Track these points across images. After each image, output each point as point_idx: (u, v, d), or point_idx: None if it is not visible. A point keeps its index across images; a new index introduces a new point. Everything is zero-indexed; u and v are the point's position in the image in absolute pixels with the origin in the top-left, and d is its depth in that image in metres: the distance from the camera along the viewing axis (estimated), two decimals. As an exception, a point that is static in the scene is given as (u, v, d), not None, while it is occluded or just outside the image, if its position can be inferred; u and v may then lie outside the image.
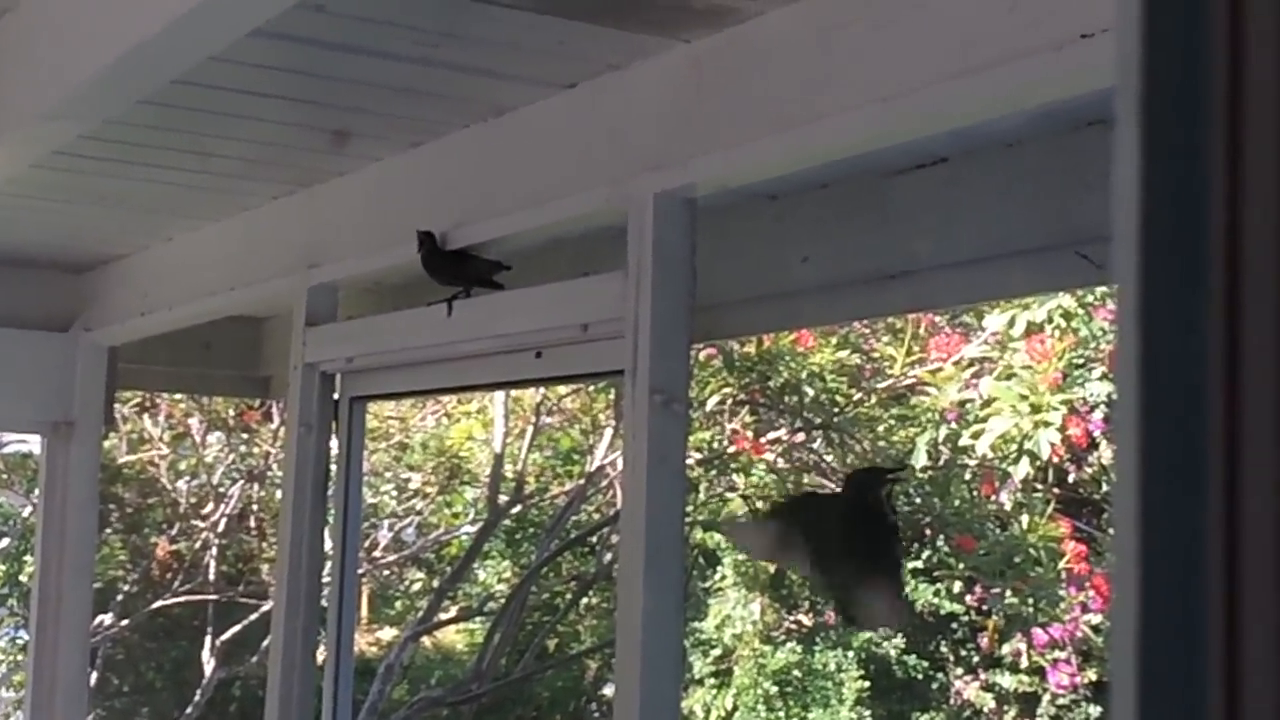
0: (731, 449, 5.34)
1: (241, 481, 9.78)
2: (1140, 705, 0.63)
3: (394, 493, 10.08)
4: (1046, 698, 13.41)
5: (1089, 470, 7.25)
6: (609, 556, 9.68)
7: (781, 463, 5.76)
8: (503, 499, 8.78)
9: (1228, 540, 0.61)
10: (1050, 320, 5.10)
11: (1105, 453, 7.67)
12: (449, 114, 3.36)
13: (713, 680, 12.74)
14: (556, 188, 3.11)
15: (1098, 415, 11.03)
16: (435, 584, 11.03)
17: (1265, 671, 0.61)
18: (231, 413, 9.56)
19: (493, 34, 2.84)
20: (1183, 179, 0.63)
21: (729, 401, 5.47)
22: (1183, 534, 0.63)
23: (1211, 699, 0.62)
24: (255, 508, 10.30)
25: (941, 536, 7.08)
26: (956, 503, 5.54)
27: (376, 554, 9.75)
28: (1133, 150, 0.66)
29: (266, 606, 9.05)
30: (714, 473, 5.55)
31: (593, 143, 3.01)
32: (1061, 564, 5.55)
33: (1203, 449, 0.62)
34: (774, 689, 12.85)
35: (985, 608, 12.59)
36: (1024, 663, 13.41)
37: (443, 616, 10.43)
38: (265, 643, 8.46)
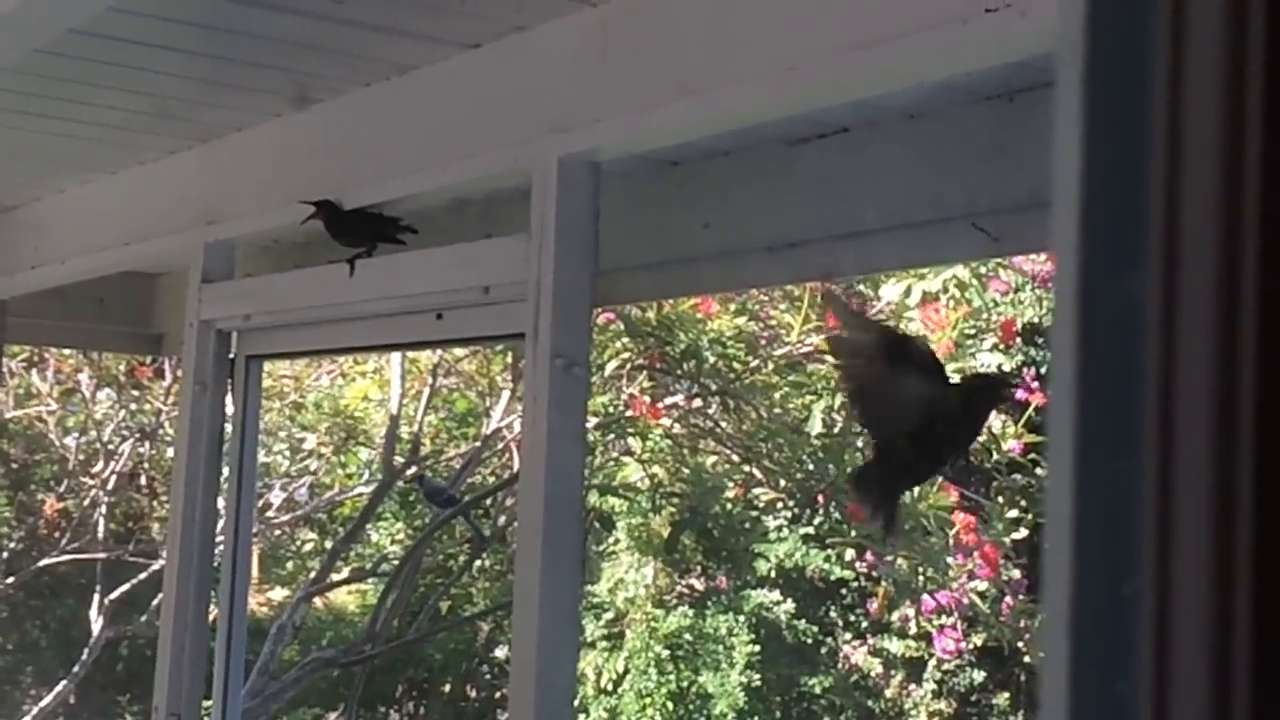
0: (629, 413, 5.36)
1: (132, 439, 9.65)
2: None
3: (287, 453, 9.99)
4: (932, 663, 13.63)
5: (978, 439, 7.34)
6: (503, 519, 9.67)
7: (678, 428, 5.79)
8: (398, 460, 8.74)
9: (1161, 519, 0.62)
10: (945, 290, 5.16)
11: (994, 422, 7.78)
12: (351, 71, 3.33)
13: (605, 643, 12.80)
14: (459, 149, 3.10)
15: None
16: (328, 545, 10.96)
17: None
18: (122, 369, 9.42)
19: (397, -9, 2.82)
20: (1124, 148, 0.64)
21: (627, 366, 5.48)
22: (1119, 505, 0.64)
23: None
24: (146, 466, 10.16)
25: (833, 504, 7.15)
26: (849, 470, 5.60)
27: (269, 514, 9.67)
28: (1074, 120, 0.66)
29: (157, 565, 8.95)
30: (611, 437, 5.58)
31: (496, 104, 3.00)
32: (951, 532, 5.63)
33: (1138, 420, 0.63)
34: (665, 652, 12.93)
35: (875, 574, 12.75)
36: (912, 629, 13.62)
37: (335, 577, 10.37)
38: (155, 602, 8.37)
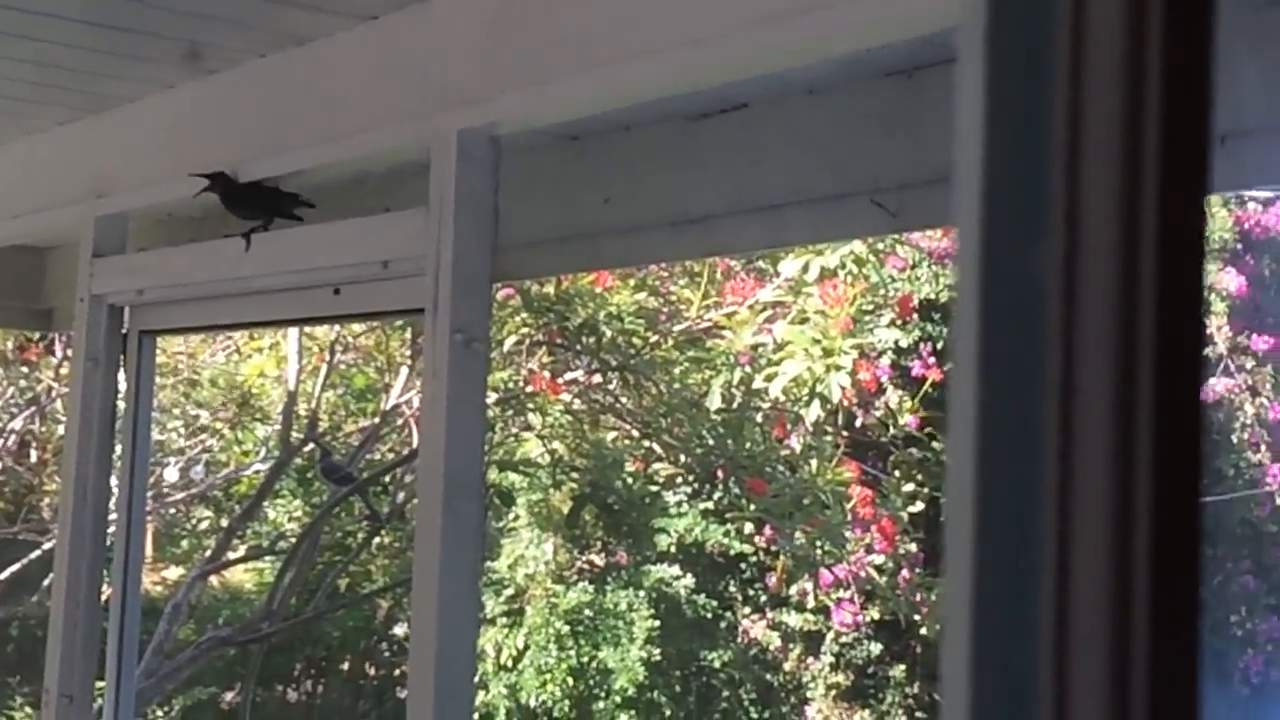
0: (528, 389, 5.34)
1: (21, 415, 9.47)
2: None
3: (182, 429, 9.86)
4: (830, 636, 13.75)
5: (876, 414, 7.42)
6: (402, 496, 9.61)
7: (578, 403, 5.78)
8: (296, 437, 8.66)
9: (1061, 493, 0.63)
10: (843, 266, 5.19)
11: (891, 397, 7.86)
12: (246, 42, 3.27)
13: (505, 620, 12.78)
14: (357, 122, 3.06)
15: (885, 361, 11.29)
16: (223, 522, 10.84)
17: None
18: (11, 345, 9.23)
19: (294, -39, 2.78)
20: (1026, 121, 0.64)
21: (526, 341, 5.46)
22: (1019, 487, 0.64)
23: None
24: (35, 442, 9.98)
25: (733, 479, 7.19)
26: (748, 445, 5.63)
27: (164, 492, 9.54)
28: (977, 89, 0.66)
29: (47, 544, 8.80)
30: (510, 412, 5.55)
31: (395, 77, 2.97)
32: (849, 506, 5.68)
33: (1039, 395, 0.64)
34: (565, 628, 12.93)
35: (774, 549, 12.83)
36: (810, 602, 13.73)
37: (232, 555, 10.26)
38: (46, 582, 8.23)
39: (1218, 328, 14.01)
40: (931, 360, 13.29)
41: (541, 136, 3.44)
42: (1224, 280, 13.97)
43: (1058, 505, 0.63)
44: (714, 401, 5.32)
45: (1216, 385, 13.94)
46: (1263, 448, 14.12)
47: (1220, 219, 14.38)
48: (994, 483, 0.66)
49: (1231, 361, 14.06)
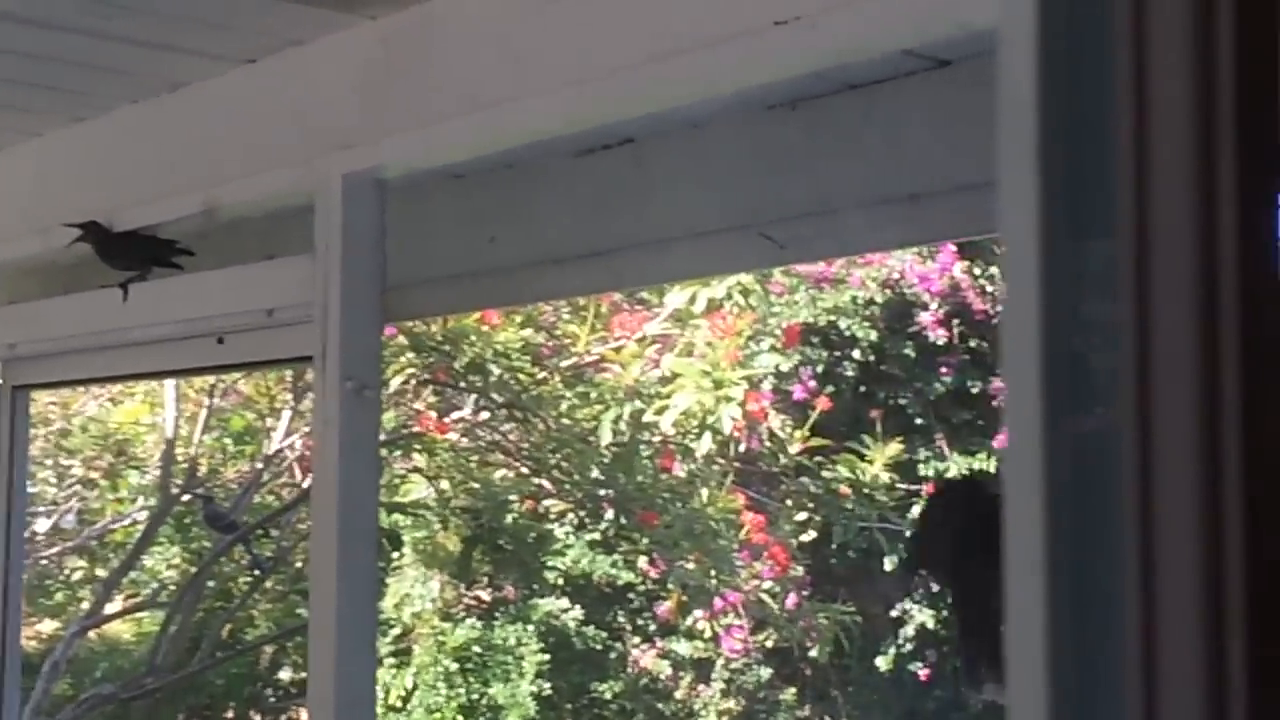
0: (414, 429, 5.28)
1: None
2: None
3: (54, 479, 9.62)
4: (720, 662, 13.76)
5: (766, 445, 7.45)
6: (287, 542, 9.46)
7: (465, 442, 5.73)
8: (176, 484, 8.48)
9: (1142, 516, 0.59)
10: (730, 297, 5.20)
11: (774, 422, 7.89)
12: (118, 88, 3.20)
13: (392, 660, 12.62)
14: (236, 167, 3.00)
15: (766, 386, 11.34)
16: (99, 572, 10.59)
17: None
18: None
19: (165, 6, 2.72)
20: (1086, 109, 0.61)
21: (412, 382, 5.40)
22: (1097, 517, 0.61)
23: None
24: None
25: (614, 510, 7.16)
26: (639, 478, 5.61)
27: (36, 543, 9.30)
28: (1027, 79, 0.63)
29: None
30: (397, 453, 5.49)
31: (275, 121, 2.91)
32: (742, 534, 5.68)
33: (1111, 411, 0.60)
34: (454, 666, 12.81)
35: (662, 579, 12.82)
36: (705, 631, 13.74)
37: (110, 609, 10.03)
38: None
39: (1089, 343, 14.29)
40: (812, 384, 13.40)
41: (423, 174, 3.40)
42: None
43: (1139, 525, 0.60)
44: (604, 436, 5.29)
45: (1090, 400, 14.22)
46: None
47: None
48: (1061, 505, 0.63)
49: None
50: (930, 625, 14.13)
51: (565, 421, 5.52)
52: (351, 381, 2.61)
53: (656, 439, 5.41)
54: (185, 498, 9.02)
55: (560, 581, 13.19)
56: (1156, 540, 0.58)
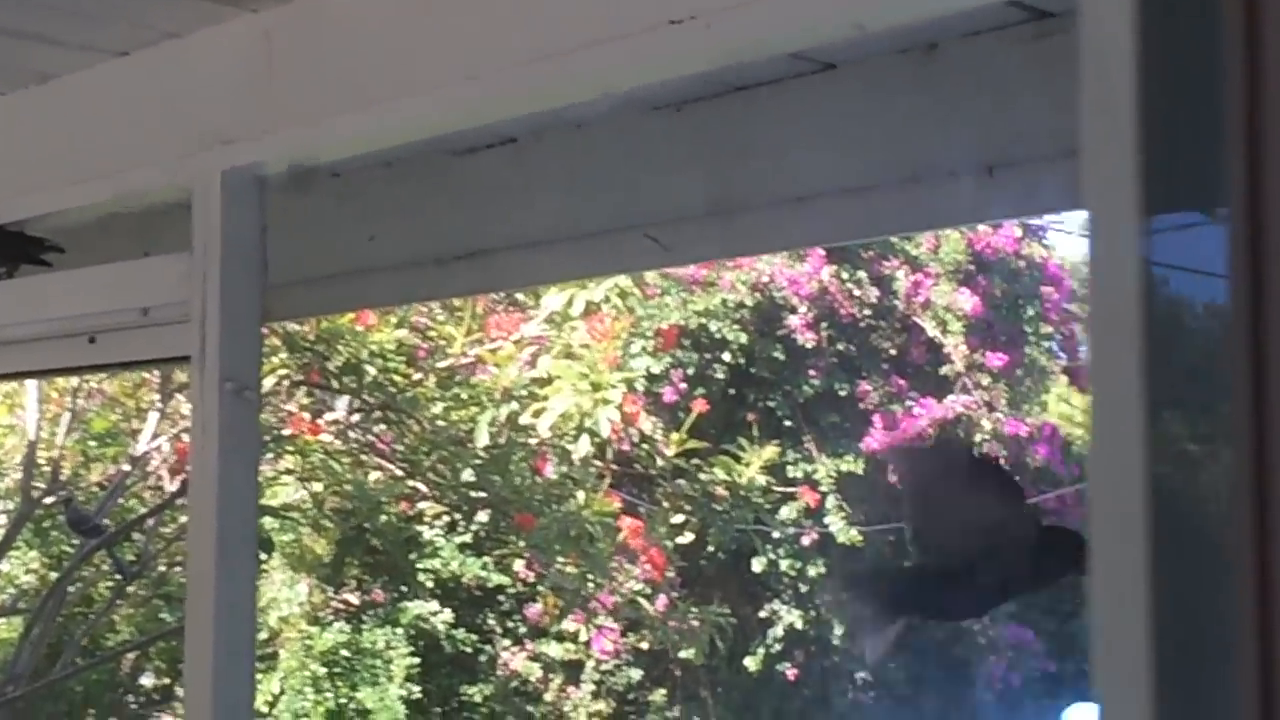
0: (287, 431, 5.20)
1: None
2: None
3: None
4: (591, 664, 13.76)
5: (642, 447, 7.45)
6: (153, 547, 9.27)
7: (338, 444, 5.66)
8: (38, 487, 8.27)
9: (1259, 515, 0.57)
10: (607, 300, 5.19)
11: (645, 424, 7.89)
12: (-15, 79, 3.10)
13: (259, 664, 12.45)
14: (109, 162, 2.92)
15: (638, 388, 11.35)
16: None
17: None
18: None
19: (33, -6, 2.64)
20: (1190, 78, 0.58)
21: (285, 382, 5.31)
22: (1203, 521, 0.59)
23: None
24: None
25: (490, 512, 7.11)
26: (515, 480, 5.58)
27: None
28: (1124, 48, 0.59)
29: None
30: (269, 455, 5.40)
31: (150, 115, 2.84)
32: (619, 538, 5.67)
33: (1220, 407, 0.57)
34: (322, 670, 12.67)
35: (535, 582, 12.78)
36: (581, 634, 13.71)
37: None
38: None
39: (955, 346, 14.50)
40: (683, 386, 13.46)
41: (302, 173, 3.34)
42: (959, 300, 14.48)
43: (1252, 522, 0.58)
44: (480, 438, 5.25)
45: (956, 402, 14.42)
46: (1000, 461, 14.64)
47: (954, 241, 14.89)
48: (1170, 483, 0.60)
49: (969, 379, 14.56)
50: (799, 626, 14.26)
51: (440, 423, 5.47)
52: (231, 383, 2.55)
53: (533, 441, 5.38)
54: (47, 501, 8.81)
55: (431, 584, 13.10)
56: (1273, 550, 0.55)
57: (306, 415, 5.33)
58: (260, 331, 2.71)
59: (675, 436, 5.93)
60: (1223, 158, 0.56)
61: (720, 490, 6.02)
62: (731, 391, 13.98)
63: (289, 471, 5.77)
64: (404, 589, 13.41)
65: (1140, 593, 0.63)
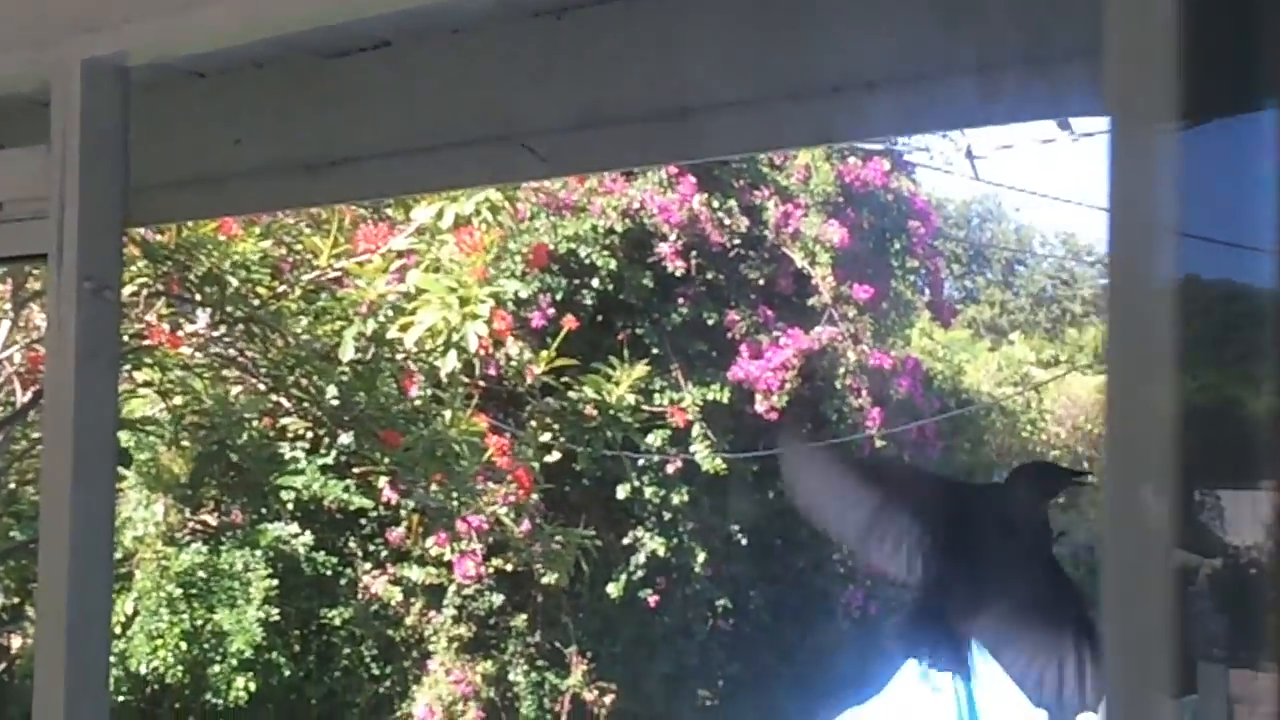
0: (146, 342, 5.05)
1: None
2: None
3: None
4: (452, 588, 13.73)
5: (512, 364, 7.39)
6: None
7: (199, 356, 5.51)
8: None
9: None
10: (478, 213, 5.10)
11: (511, 348, 7.83)
12: None
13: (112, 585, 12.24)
14: (-40, 49, 2.78)
15: (508, 306, 11.27)
16: None
17: None
18: None
19: None
20: None
21: (144, 292, 5.16)
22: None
23: None
24: None
25: (354, 432, 7.00)
26: (383, 398, 5.49)
27: None
28: None
29: None
30: (127, 367, 5.26)
31: (6, 0, 2.71)
32: (486, 457, 5.61)
33: None
34: (178, 591, 12.49)
35: (395, 504, 12.70)
36: (438, 557, 13.67)
37: None
38: None
39: (822, 278, 14.60)
40: (551, 311, 13.40)
41: (164, 72, 3.21)
42: (828, 232, 14.57)
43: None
44: (346, 353, 5.14)
45: (822, 333, 14.53)
46: (864, 393, 14.81)
47: (824, 173, 14.96)
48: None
49: (835, 310, 14.68)
50: (661, 553, 14.34)
51: (305, 338, 5.35)
52: (90, 281, 2.45)
53: (400, 357, 5.29)
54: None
55: (291, 507, 12.97)
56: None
57: (166, 327, 5.19)
58: (122, 230, 2.60)
59: (544, 354, 5.87)
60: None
61: (589, 410, 5.98)
62: (599, 318, 13.95)
63: (147, 384, 5.62)
64: (263, 511, 13.25)
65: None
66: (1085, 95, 2.08)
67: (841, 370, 14.81)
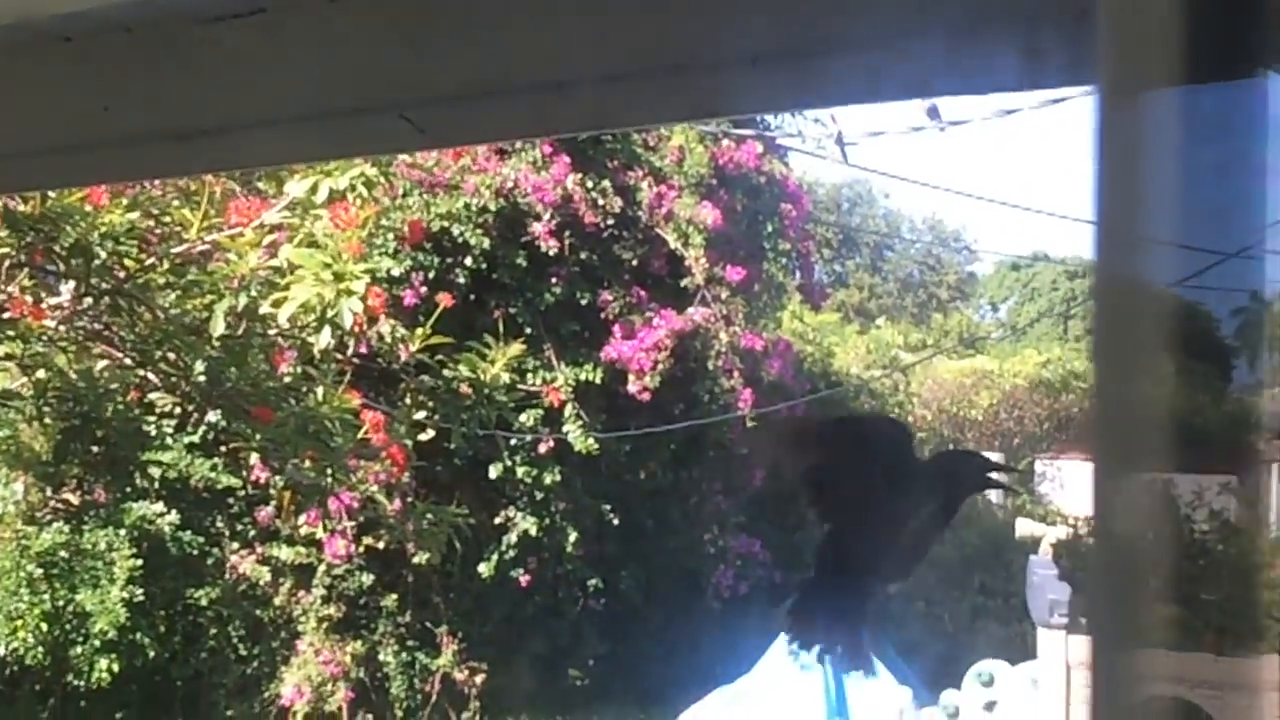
0: (7, 315, 4.91)
1: None
2: None
3: None
4: (322, 568, 13.62)
5: (385, 342, 7.31)
6: None
7: (63, 330, 5.39)
8: None
9: None
10: (353, 188, 5.03)
11: (384, 326, 7.76)
12: None
13: (-32, 566, 11.99)
14: None
15: (382, 283, 11.16)
16: None
17: None
18: None
19: None
20: None
21: (5, 263, 5.02)
22: None
23: None
24: None
25: (223, 409, 6.90)
26: (254, 373, 5.41)
27: None
28: None
29: None
30: (-13, 341, 5.14)
31: None
32: (360, 434, 5.55)
33: None
34: (39, 571, 12.24)
35: (267, 481, 12.55)
36: (308, 536, 13.54)
37: None
38: None
39: (695, 259, 14.65)
40: (423, 290, 13.29)
41: (29, 35, 3.13)
42: (701, 214, 14.62)
43: None
44: (217, 328, 5.06)
45: (695, 315, 14.59)
46: (735, 374, 14.90)
47: (697, 154, 15.01)
48: None
49: (708, 292, 14.74)
50: (533, 533, 14.33)
51: (174, 312, 5.25)
52: (-49, 247, 2.38)
53: (272, 333, 5.21)
54: None
55: (157, 485, 12.76)
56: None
57: (29, 299, 5.06)
58: (-16, 195, 2.53)
59: (419, 331, 5.82)
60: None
61: (464, 388, 5.95)
62: (473, 297, 13.89)
63: (9, 357, 5.48)
64: (128, 489, 13.03)
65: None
66: (952, 77, 2.11)
67: (714, 351, 14.89)
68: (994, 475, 2.18)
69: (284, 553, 13.61)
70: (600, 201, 14.38)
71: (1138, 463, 0.81)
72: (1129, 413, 0.78)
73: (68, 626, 12.33)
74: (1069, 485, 20.93)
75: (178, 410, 7.58)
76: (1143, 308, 0.84)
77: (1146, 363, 0.84)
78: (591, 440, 13.97)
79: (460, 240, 13.97)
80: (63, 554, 12.42)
